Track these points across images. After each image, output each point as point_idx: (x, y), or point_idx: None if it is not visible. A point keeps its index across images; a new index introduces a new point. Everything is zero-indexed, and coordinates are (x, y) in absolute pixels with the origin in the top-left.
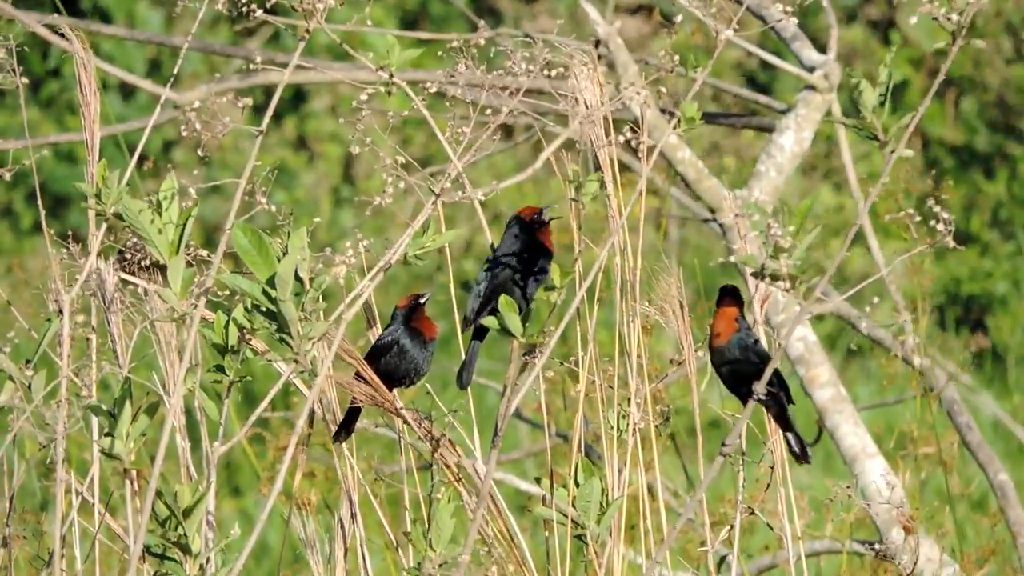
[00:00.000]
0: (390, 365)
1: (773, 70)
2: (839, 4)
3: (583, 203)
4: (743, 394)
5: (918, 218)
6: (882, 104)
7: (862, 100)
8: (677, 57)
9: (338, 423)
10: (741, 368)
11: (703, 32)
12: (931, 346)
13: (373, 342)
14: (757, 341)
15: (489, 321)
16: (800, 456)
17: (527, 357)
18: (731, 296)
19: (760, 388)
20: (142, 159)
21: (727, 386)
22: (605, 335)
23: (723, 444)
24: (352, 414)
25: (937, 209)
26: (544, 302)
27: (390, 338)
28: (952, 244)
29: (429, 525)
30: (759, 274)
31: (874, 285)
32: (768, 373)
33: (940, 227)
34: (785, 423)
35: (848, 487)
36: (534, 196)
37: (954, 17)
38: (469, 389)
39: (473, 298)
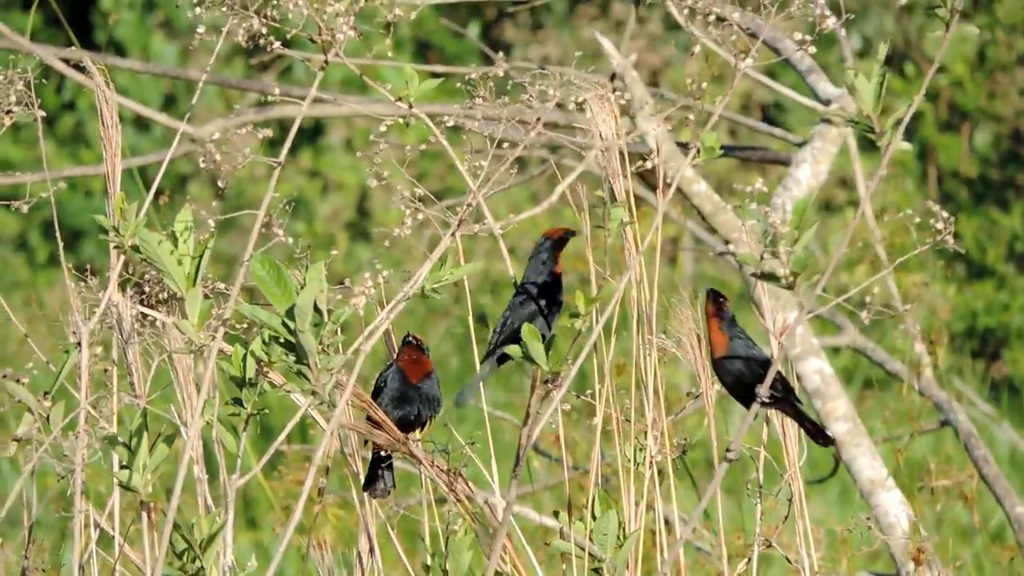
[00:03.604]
0: (387, 407)
1: (782, 104)
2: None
3: (609, 231)
4: (748, 399)
5: (917, 220)
6: (878, 97)
7: (857, 94)
8: (704, 84)
9: (363, 462)
10: (743, 376)
11: (717, 64)
12: (948, 378)
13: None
14: (754, 344)
15: (513, 350)
16: (821, 439)
17: (548, 385)
18: (712, 302)
19: (764, 391)
20: (158, 193)
21: (733, 395)
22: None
23: (728, 450)
24: (377, 461)
25: (936, 208)
26: (563, 331)
27: (383, 382)
28: (952, 244)
29: (446, 558)
30: (758, 273)
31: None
32: (771, 376)
33: (939, 225)
34: (799, 416)
35: (868, 519)
36: (548, 226)
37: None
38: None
39: (499, 326)
